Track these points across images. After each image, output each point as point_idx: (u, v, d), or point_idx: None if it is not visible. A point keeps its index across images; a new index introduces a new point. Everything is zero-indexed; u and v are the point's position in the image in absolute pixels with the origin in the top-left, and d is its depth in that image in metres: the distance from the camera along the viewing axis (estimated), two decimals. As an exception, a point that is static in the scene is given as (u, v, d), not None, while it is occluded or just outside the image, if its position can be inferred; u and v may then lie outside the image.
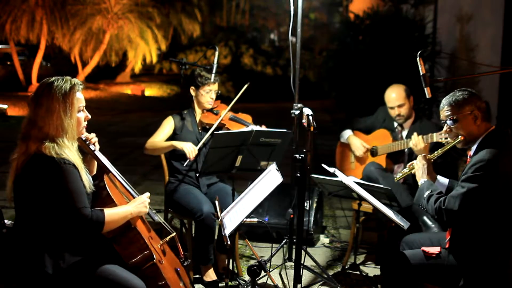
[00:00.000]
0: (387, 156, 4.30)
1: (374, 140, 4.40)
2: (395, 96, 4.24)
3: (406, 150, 4.21)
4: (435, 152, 2.97)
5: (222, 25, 27.61)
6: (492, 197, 2.54)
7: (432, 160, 2.94)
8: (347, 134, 4.51)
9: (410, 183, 4.08)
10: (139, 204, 2.59)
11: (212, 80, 3.82)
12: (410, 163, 3.05)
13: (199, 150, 3.80)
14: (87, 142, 2.61)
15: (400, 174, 3.13)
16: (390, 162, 4.32)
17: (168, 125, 3.86)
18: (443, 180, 2.96)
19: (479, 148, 2.65)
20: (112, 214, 2.41)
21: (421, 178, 2.87)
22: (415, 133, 3.96)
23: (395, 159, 4.33)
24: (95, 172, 2.71)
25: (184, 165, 3.72)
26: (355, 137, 4.44)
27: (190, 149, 3.62)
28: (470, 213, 2.55)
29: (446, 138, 3.58)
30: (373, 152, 4.36)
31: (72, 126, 2.41)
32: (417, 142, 3.89)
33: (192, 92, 3.91)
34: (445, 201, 2.59)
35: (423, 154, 2.97)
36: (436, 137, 3.84)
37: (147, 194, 2.69)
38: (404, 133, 4.30)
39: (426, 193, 2.73)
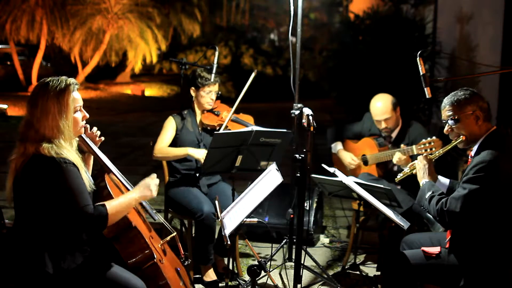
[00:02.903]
0: (377, 166, 4.23)
1: (363, 147, 4.33)
2: (381, 109, 4.10)
3: None
4: (436, 152, 2.96)
5: (222, 25, 27.62)
6: (494, 198, 2.53)
7: (433, 160, 2.93)
8: (337, 147, 4.44)
9: (409, 185, 4.07)
10: (144, 188, 2.57)
11: (212, 80, 3.82)
12: (411, 163, 3.04)
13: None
14: (90, 140, 2.61)
15: (401, 175, 3.11)
16: (380, 171, 4.25)
17: (171, 126, 3.85)
18: (444, 180, 2.96)
19: (480, 148, 2.64)
20: (115, 206, 2.39)
21: (423, 178, 2.85)
22: (397, 152, 3.91)
23: (385, 167, 4.25)
24: (90, 171, 2.70)
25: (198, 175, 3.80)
26: (345, 152, 4.36)
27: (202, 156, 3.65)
28: (472, 214, 2.54)
29: (426, 150, 3.55)
30: (365, 161, 4.30)
31: (68, 127, 2.39)
32: (398, 160, 3.90)
33: (192, 93, 3.90)
34: (446, 202, 2.58)
35: (424, 154, 2.96)
36: (415, 150, 3.79)
37: (154, 175, 2.65)
38: (392, 140, 4.22)
39: (428, 194, 2.72)
